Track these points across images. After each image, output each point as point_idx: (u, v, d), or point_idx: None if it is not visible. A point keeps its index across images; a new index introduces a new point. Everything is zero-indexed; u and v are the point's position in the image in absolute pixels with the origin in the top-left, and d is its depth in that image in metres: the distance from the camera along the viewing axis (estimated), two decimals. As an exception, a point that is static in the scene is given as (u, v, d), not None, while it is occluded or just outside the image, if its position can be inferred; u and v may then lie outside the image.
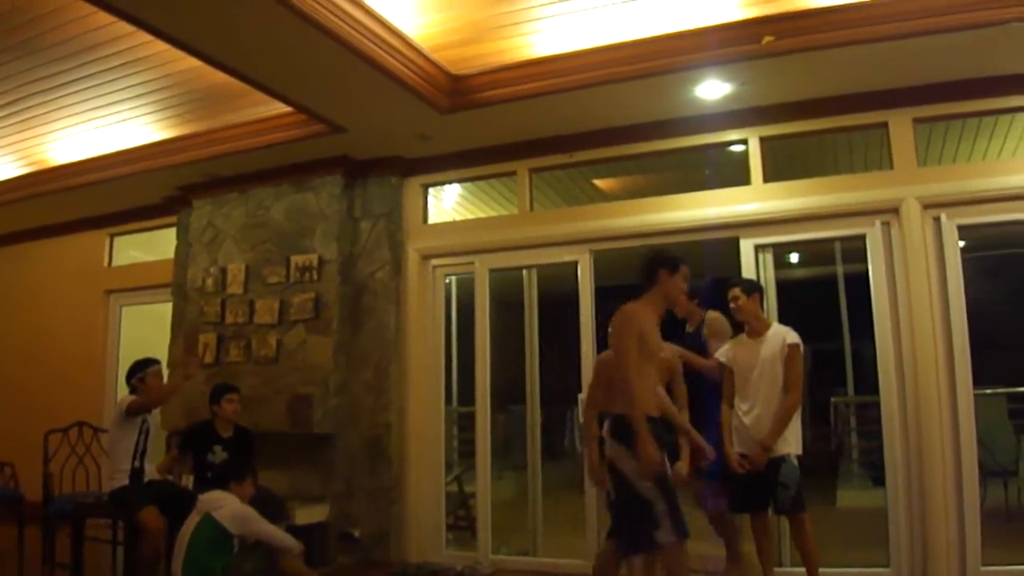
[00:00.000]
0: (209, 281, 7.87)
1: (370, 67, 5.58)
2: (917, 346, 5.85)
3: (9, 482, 7.60)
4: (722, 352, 5.87)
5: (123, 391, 6.62)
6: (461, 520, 7.82)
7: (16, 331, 10.03)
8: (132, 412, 6.22)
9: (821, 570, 5.36)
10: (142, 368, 6.44)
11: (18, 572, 6.80)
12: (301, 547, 5.66)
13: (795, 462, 5.46)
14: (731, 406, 5.73)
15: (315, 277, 7.37)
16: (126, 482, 6.15)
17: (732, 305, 5.78)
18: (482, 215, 8.45)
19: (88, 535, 6.60)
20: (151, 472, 6.35)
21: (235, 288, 7.71)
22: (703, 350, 6.05)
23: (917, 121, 6.14)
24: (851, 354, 10.50)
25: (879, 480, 6.59)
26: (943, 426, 5.74)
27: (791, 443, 5.49)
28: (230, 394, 6.60)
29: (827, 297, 10.01)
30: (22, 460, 7.55)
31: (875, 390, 6.14)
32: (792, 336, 5.60)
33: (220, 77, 5.97)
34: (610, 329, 4.92)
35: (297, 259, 7.48)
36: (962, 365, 5.77)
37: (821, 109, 6.29)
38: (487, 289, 7.29)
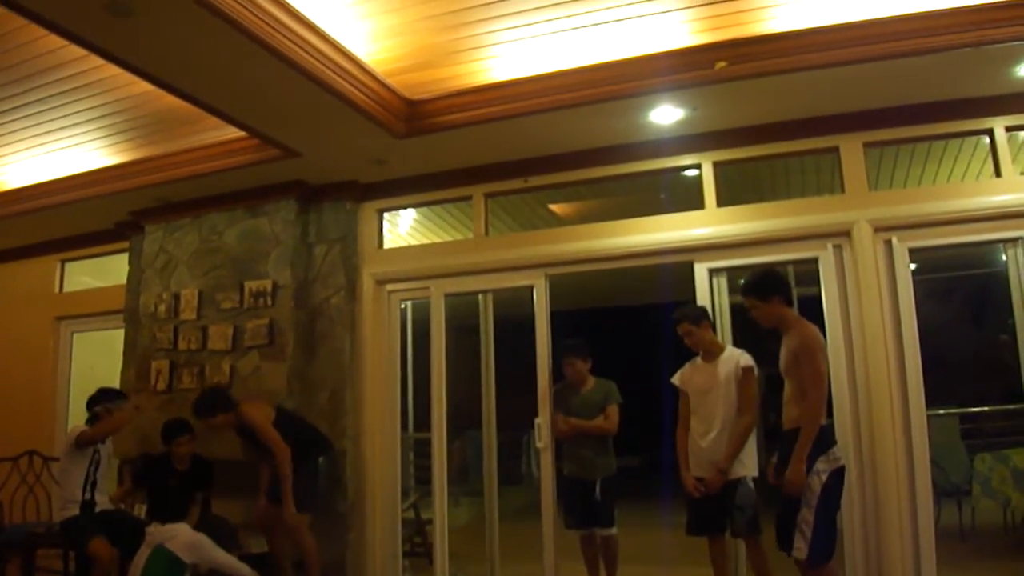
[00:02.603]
0: (162, 307, 7.76)
1: (325, 92, 5.55)
2: (870, 368, 5.90)
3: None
4: (677, 376, 5.91)
5: (74, 420, 6.54)
6: (418, 547, 7.78)
7: (-36, 359, 9.83)
8: (81, 444, 6.14)
9: (777, 592, 5.38)
10: (110, 399, 6.35)
11: (-33, 603, 6.69)
12: (256, 576, 5.61)
13: (751, 484, 5.51)
14: (686, 430, 5.78)
15: (269, 303, 7.31)
16: (77, 512, 6.08)
17: (686, 340, 5.83)
18: (438, 240, 8.44)
19: (39, 565, 6.53)
20: (104, 502, 6.27)
21: (188, 314, 7.62)
22: None
23: (867, 145, 6.21)
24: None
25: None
26: (897, 446, 5.78)
27: (747, 465, 5.55)
28: (180, 437, 6.48)
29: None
30: (-30, 490, 7.40)
31: (829, 411, 6.18)
32: (746, 359, 5.67)
33: (173, 102, 5.91)
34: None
35: (251, 284, 7.41)
36: (915, 386, 5.81)
37: (773, 134, 6.35)
38: (443, 314, 7.24)
